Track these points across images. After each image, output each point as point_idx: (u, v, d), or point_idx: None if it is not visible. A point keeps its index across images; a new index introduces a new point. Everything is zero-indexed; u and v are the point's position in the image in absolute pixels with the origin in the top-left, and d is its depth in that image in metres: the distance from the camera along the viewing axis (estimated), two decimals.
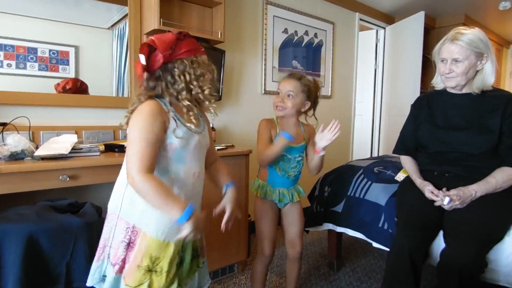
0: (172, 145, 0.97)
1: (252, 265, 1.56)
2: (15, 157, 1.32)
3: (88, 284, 1.02)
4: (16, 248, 1.04)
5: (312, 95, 1.48)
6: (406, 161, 1.59)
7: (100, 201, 1.43)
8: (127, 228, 0.98)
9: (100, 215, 1.28)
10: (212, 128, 2.25)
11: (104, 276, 1.01)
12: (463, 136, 1.39)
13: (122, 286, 0.98)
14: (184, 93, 0.98)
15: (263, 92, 2.68)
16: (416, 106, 1.60)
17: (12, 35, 1.62)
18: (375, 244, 1.68)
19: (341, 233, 2.03)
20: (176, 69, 0.98)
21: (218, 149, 1.84)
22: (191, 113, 0.99)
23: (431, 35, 3.88)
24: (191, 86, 0.98)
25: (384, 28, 3.86)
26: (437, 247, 1.37)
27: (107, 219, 1.03)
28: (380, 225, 1.66)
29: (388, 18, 3.87)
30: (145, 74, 0.98)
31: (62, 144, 1.46)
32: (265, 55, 2.66)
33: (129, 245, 0.98)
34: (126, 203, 1.00)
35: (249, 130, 2.45)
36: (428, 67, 3.38)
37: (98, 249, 1.03)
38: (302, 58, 2.97)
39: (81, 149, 1.49)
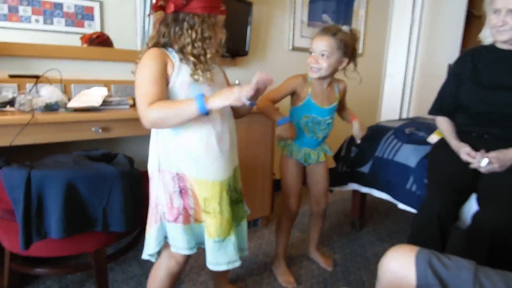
0: (185, 81, 0.96)
1: (278, 220, 1.60)
2: (49, 108, 1.36)
3: (154, 250, 1.03)
4: (56, 193, 1.10)
5: (349, 49, 1.34)
6: (442, 122, 1.50)
7: (131, 153, 1.48)
8: (173, 177, 1.00)
9: (132, 165, 1.32)
10: (238, 84, 2.21)
11: (166, 237, 1.04)
12: (509, 96, 1.29)
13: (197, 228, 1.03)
14: (189, 48, 0.96)
15: (291, 48, 2.57)
16: (458, 63, 1.48)
17: None
18: (400, 206, 1.66)
19: (365, 194, 2.02)
20: (185, 22, 0.95)
21: None
22: (198, 70, 0.96)
23: None
24: (195, 45, 0.96)
25: None
26: (467, 210, 1.33)
27: (150, 180, 1.05)
28: (408, 186, 1.62)
29: None
30: (159, 16, 0.96)
31: (93, 96, 1.48)
32: (294, 8, 2.51)
33: (181, 192, 1.01)
34: (162, 154, 1.01)
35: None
36: (471, 22, 3.10)
37: (150, 214, 1.05)
38: (333, 12, 2.78)
39: (111, 102, 1.51)
